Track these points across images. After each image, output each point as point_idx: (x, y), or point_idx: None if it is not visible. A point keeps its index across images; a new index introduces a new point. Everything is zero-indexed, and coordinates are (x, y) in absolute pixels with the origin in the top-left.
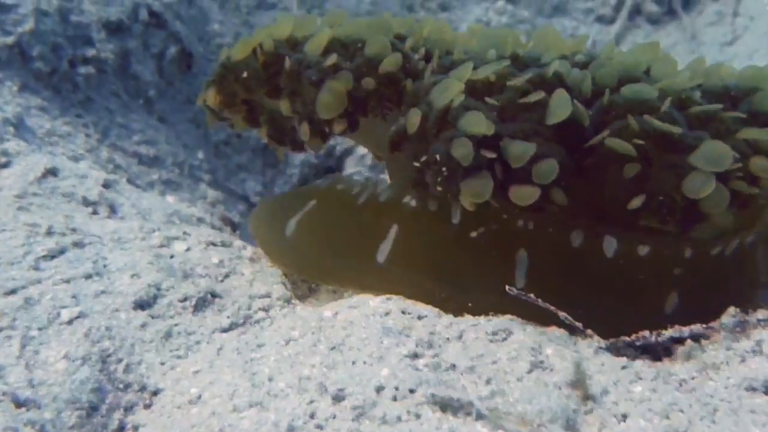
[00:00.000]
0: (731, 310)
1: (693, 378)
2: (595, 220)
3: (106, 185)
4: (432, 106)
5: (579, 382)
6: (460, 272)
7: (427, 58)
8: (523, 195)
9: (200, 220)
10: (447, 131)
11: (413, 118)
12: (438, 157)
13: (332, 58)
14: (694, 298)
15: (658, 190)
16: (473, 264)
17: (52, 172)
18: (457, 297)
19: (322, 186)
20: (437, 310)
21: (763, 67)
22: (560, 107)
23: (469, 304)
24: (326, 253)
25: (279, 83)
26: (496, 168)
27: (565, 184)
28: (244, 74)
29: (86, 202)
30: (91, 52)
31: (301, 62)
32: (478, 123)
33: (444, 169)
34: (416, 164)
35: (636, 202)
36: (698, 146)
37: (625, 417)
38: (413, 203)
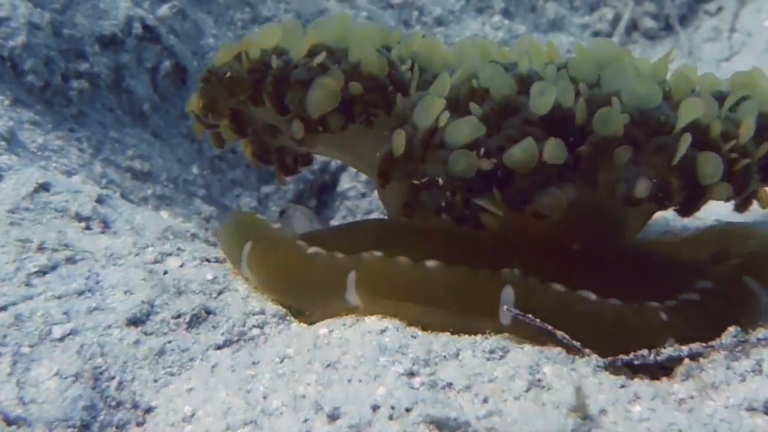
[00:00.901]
0: (731, 329)
1: (692, 397)
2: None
3: (100, 200)
4: (416, 126)
5: (579, 406)
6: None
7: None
8: (553, 203)
9: (194, 236)
10: (435, 152)
11: (398, 141)
12: (440, 180)
13: (320, 57)
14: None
15: (652, 174)
16: (455, 305)
17: (44, 186)
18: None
19: (256, 228)
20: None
21: (750, 73)
22: (543, 95)
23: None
24: (293, 298)
25: (263, 89)
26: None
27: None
28: (228, 74)
29: (79, 218)
30: (84, 66)
31: (288, 63)
32: (468, 126)
33: (448, 193)
34: (414, 183)
35: (641, 189)
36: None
37: None
38: (377, 254)
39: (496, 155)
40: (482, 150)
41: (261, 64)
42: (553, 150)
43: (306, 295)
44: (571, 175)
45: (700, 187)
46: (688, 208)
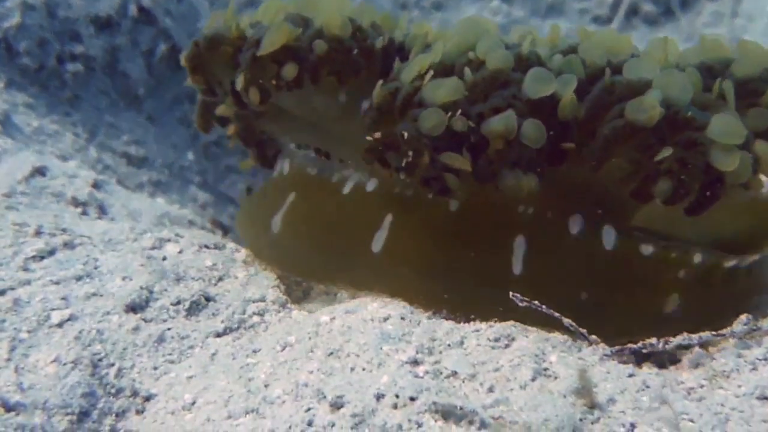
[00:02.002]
0: (743, 317)
1: (702, 386)
2: (594, 205)
3: (96, 185)
4: (402, 82)
5: (584, 390)
6: (455, 262)
7: (395, 46)
8: (513, 186)
9: (192, 222)
10: (412, 109)
11: (377, 90)
12: (405, 135)
13: (279, 16)
14: (697, 303)
15: (676, 168)
16: (469, 252)
17: (40, 171)
18: (453, 291)
19: (294, 173)
20: (435, 316)
21: (709, 40)
22: (542, 83)
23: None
24: (316, 248)
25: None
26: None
27: (541, 169)
28: (205, 31)
29: (76, 203)
30: (79, 49)
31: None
32: (447, 87)
33: (411, 151)
34: (376, 135)
35: (663, 187)
36: (708, 122)
37: (633, 426)
38: (407, 193)
39: (475, 122)
40: (459, 112)
41: (244, 33)
42: (532, 131)
43: (337, 238)
44: (540, 163)
45: (722, 189)
46: (699, 207)
